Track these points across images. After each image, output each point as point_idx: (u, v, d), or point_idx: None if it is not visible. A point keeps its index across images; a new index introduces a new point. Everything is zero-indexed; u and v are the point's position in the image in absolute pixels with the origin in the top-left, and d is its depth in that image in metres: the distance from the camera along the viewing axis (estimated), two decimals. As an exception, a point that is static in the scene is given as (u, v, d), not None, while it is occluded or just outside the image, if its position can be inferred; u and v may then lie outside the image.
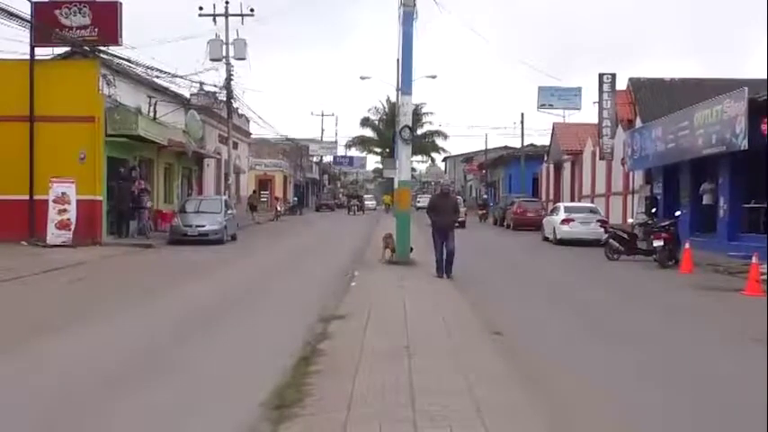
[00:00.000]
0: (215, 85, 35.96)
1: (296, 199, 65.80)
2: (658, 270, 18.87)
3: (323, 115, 79.65)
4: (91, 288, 14.90)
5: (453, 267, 15.58)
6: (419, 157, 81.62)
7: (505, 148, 68.92)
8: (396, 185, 22.10)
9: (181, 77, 32.21)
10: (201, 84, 34.98)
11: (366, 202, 70.76)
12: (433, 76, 50.50)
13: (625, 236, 21.73)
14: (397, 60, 21.22)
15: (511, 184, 57.98)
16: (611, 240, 21.76)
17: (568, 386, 7.25)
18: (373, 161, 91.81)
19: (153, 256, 22.13)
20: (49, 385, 7.16)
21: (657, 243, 19.52)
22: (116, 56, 26.03)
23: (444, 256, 15.41)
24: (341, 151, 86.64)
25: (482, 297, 12.85)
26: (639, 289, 15.86)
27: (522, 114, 56.79)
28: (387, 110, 74.91)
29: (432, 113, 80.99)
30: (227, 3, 35.60)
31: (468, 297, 12.71)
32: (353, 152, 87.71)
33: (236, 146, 42.56)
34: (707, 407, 6.66)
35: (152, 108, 30.27)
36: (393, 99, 60.46)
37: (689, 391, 7.20)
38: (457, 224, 17.08)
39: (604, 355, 8.91)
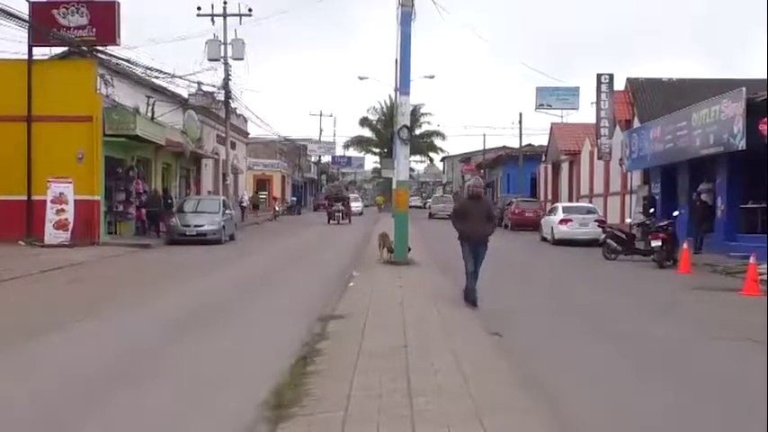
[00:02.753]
0: (213, 86, 35.98)
1: (294, 199, 65.83)
2: (656, 270, 18.89)
3: (321, 115, 79.82)
4: (89, 288, 14.88)
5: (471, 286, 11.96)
6: (417, 157, 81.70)
7: (503, 148, 68.94)
8: (394, 185, 22.20)
9: (179, 78, 32.20)
10: (199, 84, 34.99)
11: (352, 205, 52.32)
12: (432, 77, 50.89)
13: (623, 236, 21.76)
14: (396, 60, 21.25)
15: (509, 184, 58.01)
16: (609, 240, 21.78)
17: (567, 386, 7.25)
18: (372, 161, 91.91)
19: (151, 256, 22.12)
20: (48, 385, 7.15)
21: (655, 243, 19.53)
22: (114, 56, 26.06)
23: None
24: (339, 151, 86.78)
25: (481, 297, 12.82)
26: (638, 289, 15.86)
27: (521, 114, 56.79)
28: (385, 110, 74.93)
29: (430, 114, 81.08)
30: (225, 3, 35.61)
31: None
32: (352, 152, 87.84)
33: (234, 146, 42.56)
34: (705, 406, 6.66)
35: (150, 108, 30.27)
36: (391, 99, 60.49)
37: (687, 390, 7.20)
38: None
39: (603, 354, 8.91)
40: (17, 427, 5.92)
